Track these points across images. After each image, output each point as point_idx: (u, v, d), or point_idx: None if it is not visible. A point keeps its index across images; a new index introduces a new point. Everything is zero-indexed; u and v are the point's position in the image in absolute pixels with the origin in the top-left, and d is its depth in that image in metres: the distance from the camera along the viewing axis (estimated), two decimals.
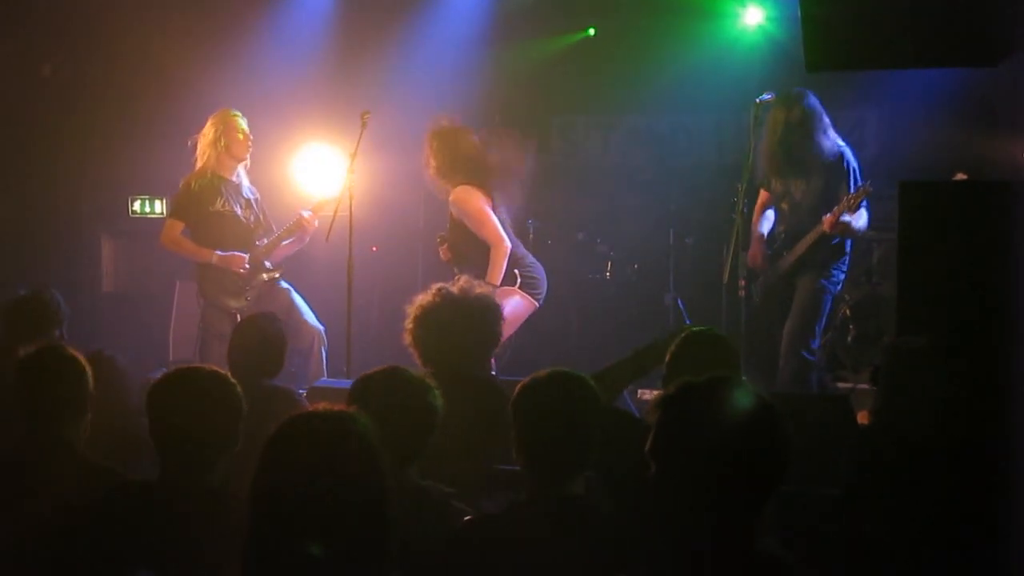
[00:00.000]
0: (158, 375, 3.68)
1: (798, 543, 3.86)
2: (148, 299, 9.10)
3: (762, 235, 7.17)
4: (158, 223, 9.35)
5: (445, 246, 7.14)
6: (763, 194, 7.25)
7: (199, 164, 7.31)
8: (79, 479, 3.64)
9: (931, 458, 3.71)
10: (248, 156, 7.34)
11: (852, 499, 3.93)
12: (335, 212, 7.06)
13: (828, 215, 6.70)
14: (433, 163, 6.99)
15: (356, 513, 2.35)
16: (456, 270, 6.86)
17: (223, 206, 7.27)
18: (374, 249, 8.75)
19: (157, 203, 9.40)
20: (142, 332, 8.82)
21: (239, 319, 7.10)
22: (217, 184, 7.26)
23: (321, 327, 7.33)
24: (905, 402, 3.88)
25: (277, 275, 7.41)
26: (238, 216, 7.31)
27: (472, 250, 6.96)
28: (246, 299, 7.28)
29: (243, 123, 7.27)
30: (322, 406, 2.53)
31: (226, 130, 7.24)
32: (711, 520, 2.39)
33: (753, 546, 2.42)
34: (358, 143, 7.00)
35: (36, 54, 9.38)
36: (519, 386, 3.22)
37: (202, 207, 7.25)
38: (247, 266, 7.27)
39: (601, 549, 2.94)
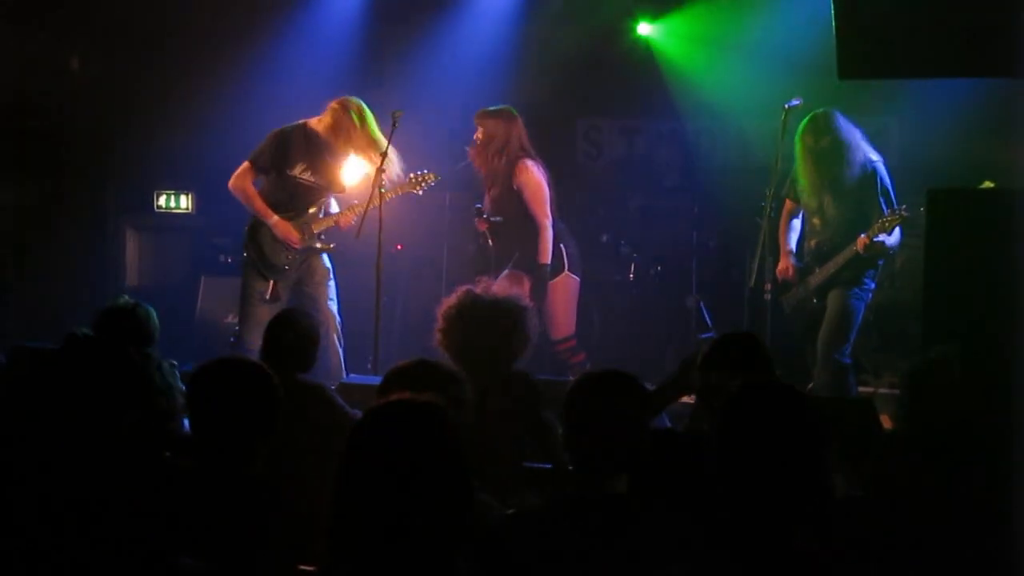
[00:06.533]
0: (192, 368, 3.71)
1: (822, 543, 3.91)
2: (171, 294, 9.12)
3: (791, 249, 7.23)
4: (183, 218, 9.47)
5: (486, 218, 7.28)
6: (788, 203, 7.29)
7: (325, 120, 7.19)
8: (125, 466, 3.67)
9: (957, 465, 3.74)
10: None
11: (876, 501, 3.97)
12: (366, 210, 7.11)
13: (863, 235, 6.76)
14: (495, 139, 7.27)
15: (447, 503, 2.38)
16: (491, 240, 7.23)
17: (301, 173, 7.23)
18: (399, 248, 8.80)
19: (183, 198, 9.46)
20: (164, 327, 8.83)
21: (272, 285, 7.18)
22: (313, 148, 7.20)
23: (339, 316, 7.31)
24: (932, 409, 3.91)
25: (327, 248, 7.37)
26: (310, 186, 7.27)
27: (513, 224, 7.23)
28: (286, 268, 7.26)
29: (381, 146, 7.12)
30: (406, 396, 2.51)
31: (366, 140, 7.15)
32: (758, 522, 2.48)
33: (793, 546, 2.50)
34: (388, 142, 7.05)
35: (64, 47, 9.45)
36: (572, 384, 3.26)
37: (283, 166, 7.20)
38: (297, 246, 7.24)
39: (646, 548, 2.98)
